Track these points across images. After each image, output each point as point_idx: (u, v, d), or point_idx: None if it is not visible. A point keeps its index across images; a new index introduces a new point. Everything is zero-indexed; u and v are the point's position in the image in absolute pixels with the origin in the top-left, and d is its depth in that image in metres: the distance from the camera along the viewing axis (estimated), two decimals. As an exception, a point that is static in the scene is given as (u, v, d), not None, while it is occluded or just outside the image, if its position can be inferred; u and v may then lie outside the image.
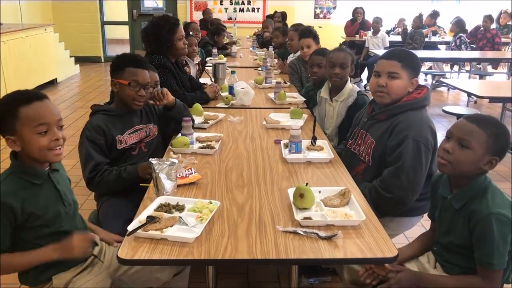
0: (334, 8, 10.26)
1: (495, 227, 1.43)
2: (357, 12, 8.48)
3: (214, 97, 3.28)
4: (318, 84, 3.09)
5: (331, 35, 8.78)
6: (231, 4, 9.93)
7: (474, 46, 7.72)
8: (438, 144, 1.67)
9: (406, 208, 2.00)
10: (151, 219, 1.50)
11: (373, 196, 1.96)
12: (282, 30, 5.54)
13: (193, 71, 4.15)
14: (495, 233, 1.43)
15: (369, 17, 8.58)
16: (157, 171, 1.68)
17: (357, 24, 8.43)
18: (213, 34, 6.22)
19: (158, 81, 2.62)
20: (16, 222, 1.45)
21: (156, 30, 3.00)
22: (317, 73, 3.04)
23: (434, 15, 8.67)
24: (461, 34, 7.52)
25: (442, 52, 8.10)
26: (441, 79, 6.73)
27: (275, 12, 8.13)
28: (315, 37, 3.67)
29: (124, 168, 2.06)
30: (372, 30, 7.76)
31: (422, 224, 2.78)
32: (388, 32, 8.63)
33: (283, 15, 7.94)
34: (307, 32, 3.68)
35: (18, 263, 1.50)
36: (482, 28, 7.73)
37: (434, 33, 8.65)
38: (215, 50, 5.47)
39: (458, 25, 7.64)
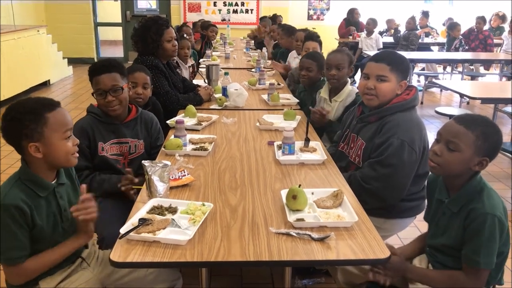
0: (328, 9, 10.28)
1: (488, 227, 1.44)
2: (356, 13, 8.53)
3: (208, 99, 3.28)
4: (307, 87, 3.16)
5: (324, 36, 8.73)
6: (225, 5, 9.92)
7: (467, 47, 7.77)
8: (430, 145, 1.67)
9: (387, 204, 2.00)
10: (143, 222, 1.50)
11: (354, 184, 1.95)
12: (287, 28, 5.08)
13: (185, 73, 4.14)
14: (486, 232, 1.44)
15: (362, 19, 8.62)
16: (150, 173, 1.67)
17: (351, 25, 8.47)
18: (202, 29, 6.70)
19: (147, 83, 2.61)
20: (28, 227, 1.44)
21: (143, 31, 3.00)
22: (306, 76, 3.11)
23: (427, 14, 8.73)
24: (461, 37, 7.58)
25: (435, 53, 8.15)
26: (434, 80, 6.76)
27: (274, 15, 8.13)
28: (320, 44, 3.79)
29: (109, 177, 2.09)
30: (365, 31, 7.79)
31: (416, 225, 2.79)
32: (381, 33, 8.66)
33: (278, 18, 7.94)
34: (315, 37, 3.80)
35: (51, 262, 1.53)
36: (475, 30, 7.79)
37: (427, 34, 8.70)
38: (208, 52, 5.49)
39: (456, 28, 7.72)
